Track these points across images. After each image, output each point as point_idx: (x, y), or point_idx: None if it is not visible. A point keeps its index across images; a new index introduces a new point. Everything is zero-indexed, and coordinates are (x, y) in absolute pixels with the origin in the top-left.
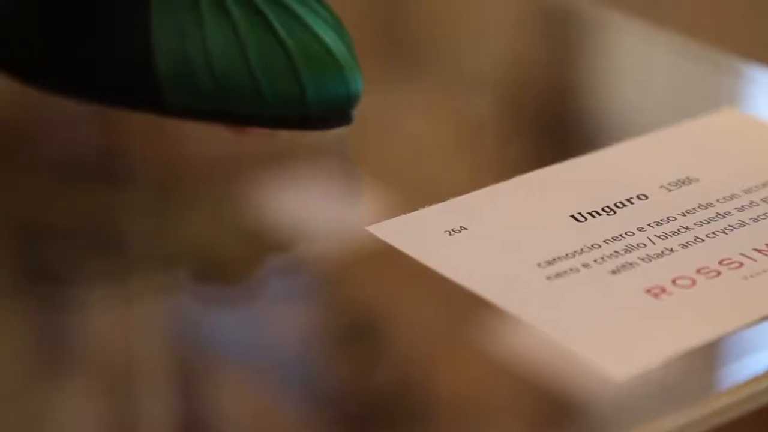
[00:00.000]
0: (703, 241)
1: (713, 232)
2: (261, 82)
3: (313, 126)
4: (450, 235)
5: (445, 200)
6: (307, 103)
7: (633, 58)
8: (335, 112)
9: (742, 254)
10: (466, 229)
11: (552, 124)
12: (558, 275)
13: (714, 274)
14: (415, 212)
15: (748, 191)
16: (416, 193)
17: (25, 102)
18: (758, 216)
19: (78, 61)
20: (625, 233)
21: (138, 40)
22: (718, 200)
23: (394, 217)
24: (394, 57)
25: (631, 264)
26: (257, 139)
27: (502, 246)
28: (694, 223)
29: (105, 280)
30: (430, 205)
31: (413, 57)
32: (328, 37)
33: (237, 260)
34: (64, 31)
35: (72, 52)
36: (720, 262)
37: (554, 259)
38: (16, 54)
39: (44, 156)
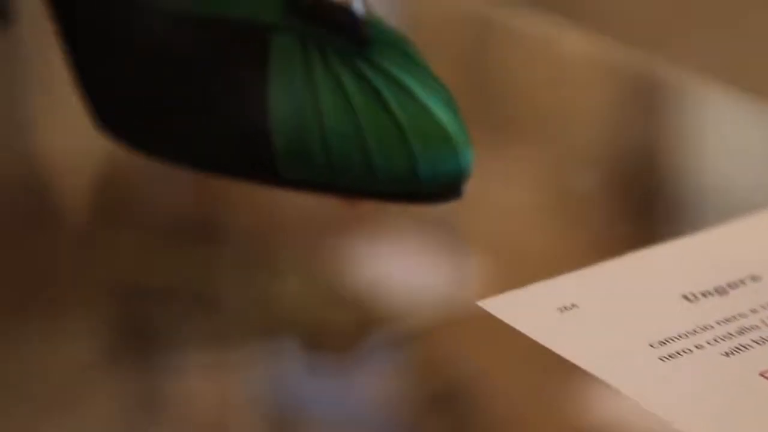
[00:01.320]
0: None
1: None
2: (374, 158)
3: (423, 201)
4: (561, 312)
5: (553, 276)
6: (419, 179)
7: (733, 131)
8: (446, 187)
9: None
10: (577, 306)
11: (657, 200)
12: (670, 356)
13: None
14: (526, 288)
15: None
16: (524, 267)
17: (126, 163)
18: None
19: (194, 133)
20: (738, 315)
21: (255, 115)
22: None
23: (503, 291)
24: (497, 128)
25: (744, 346)
26: (366, 209)
27: (614, 324)
28: None
29: (202, 344)
30: (538, 280)
31: (516, 129)
32: (440, 111)
33: (342, 330)
34: (181, 104)
35: (189, 124)
36: None
37: (666, 340)
38: (128, 122)
39: (144, 217)
